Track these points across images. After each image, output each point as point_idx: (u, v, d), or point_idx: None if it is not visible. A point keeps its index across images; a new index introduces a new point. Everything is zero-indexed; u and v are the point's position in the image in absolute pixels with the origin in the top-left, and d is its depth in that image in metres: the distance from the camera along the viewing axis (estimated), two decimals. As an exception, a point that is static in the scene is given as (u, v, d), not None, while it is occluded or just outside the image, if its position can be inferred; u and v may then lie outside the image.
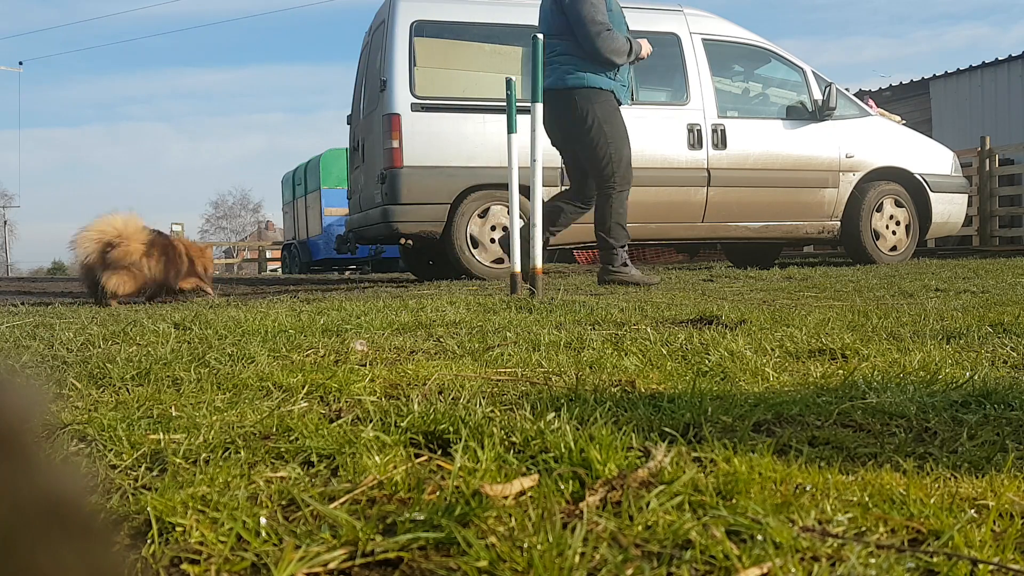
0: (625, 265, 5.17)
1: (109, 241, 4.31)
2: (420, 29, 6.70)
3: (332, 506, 0.94)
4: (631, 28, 7.13)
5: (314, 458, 1.14)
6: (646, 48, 5.23)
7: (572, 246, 7.47)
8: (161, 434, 1.25)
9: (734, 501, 0.94)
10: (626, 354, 2.02)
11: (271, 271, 21.67)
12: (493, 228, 6.70)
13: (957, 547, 0.82)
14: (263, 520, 0.89)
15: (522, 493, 0.97)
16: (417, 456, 1.14)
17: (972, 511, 0.91)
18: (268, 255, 22.44)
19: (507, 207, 6.45)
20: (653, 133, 6.98)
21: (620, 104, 5.21)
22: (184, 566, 0.81)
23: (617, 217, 5.13)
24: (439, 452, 1.18)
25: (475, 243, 6.66)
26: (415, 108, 6.54)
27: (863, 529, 0.87)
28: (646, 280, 5.16)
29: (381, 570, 0.80)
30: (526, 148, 4.24)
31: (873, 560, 0.78)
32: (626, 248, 5.20)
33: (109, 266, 4.28)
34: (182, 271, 4.82)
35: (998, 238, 12.35)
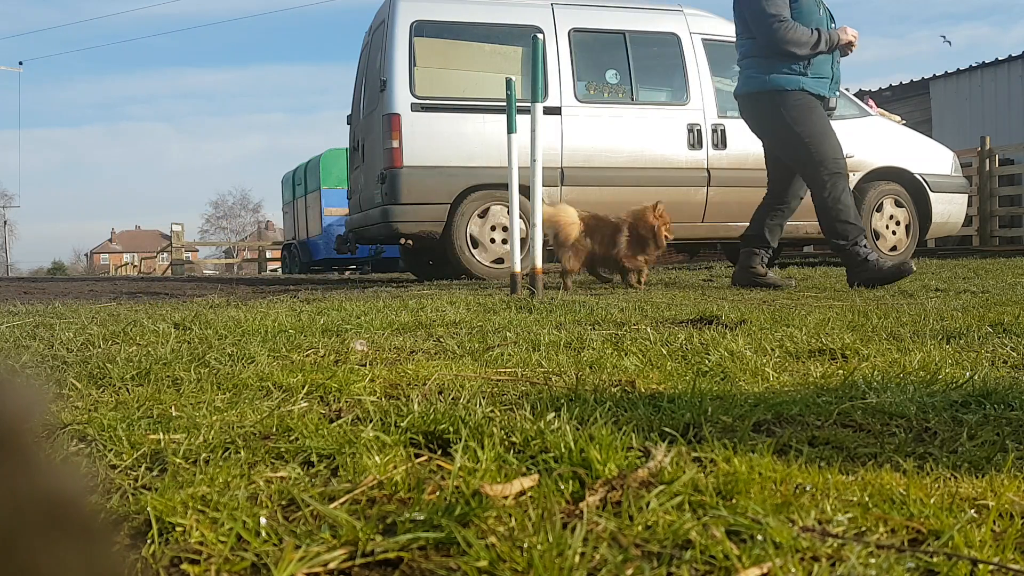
0: (867, 259, 4.64)
1: (556, 225, 4.89)
2: (420, 29, 6.69)
3: (332, 506, 0.94)
4: (630, 29, 7.17)
5: (314, 458, 1.14)
6: (844, 36, 4.73)
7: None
8: (161, 434, 1.25)
9: (734, 501, 0.94)
10: (626, 354, 2.02)
11: (271, 271, 21.66)
12: (493, 228, 6.70)
13: (957, 547, 0.82)
14: (263, 520, 0.89)
15: (522, 493, 0.97)
16: (417, 456, 1.14)
17: (972, 511, 0.91)
18: (268, 255, 22.44)
19: (507, 207, 6.45)
20: (653, 133, 6.98)
21: (824, 98, 4.78)
22: (184, 566, 0.81)
23: (838, 214, 4.65)
24: (439, 452, 1.18)
25: (475, 243, 6.66)
26: (415, 108, 6.54)
27: (863, 529, 0.87)
28: (901, 270, 4.62)
29: (381, 570, 0.80)
30: (526, 148, 4.24)
31: (873, 560, 0.78)
32: (863, 242, 4.68)
33: (561, 247, 4.94)
34: (640, 248, 4.97)
35: (998, 238, 12.34)
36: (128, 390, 1.67)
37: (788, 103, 4.72)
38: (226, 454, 1.17)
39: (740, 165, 7.12)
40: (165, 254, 24.92)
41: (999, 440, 1.20)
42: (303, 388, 1.61)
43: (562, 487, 0.99)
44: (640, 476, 1.01)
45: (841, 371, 1.80)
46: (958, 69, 16.19)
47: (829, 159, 4.67)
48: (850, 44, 4.78)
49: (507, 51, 6.89)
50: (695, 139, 7.01)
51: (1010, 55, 15.28)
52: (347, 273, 16.01)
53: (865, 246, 4.66)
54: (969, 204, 9.51)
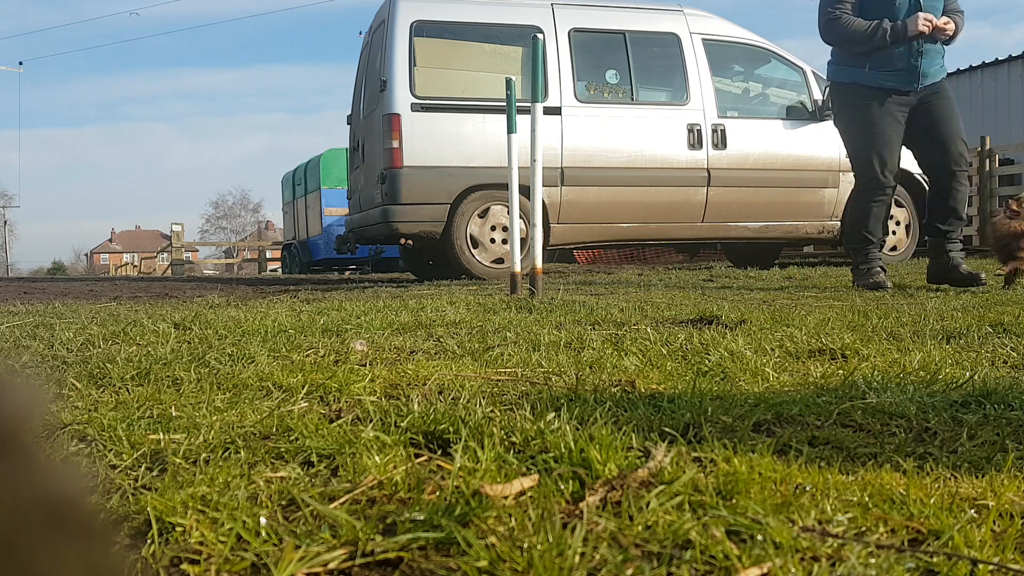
0: (867, 269, 4.52)
1: None
2: (420, 29, 6.70)
3: (332, 506, 0.94)
4: (630, 29, 7.17)
5: (314, 458, 1.14)
6: (914, 26, 4.34)
7: (572, 246, 7.47)
8: (161, 434, 1.25)
9: (734, 501, 0.94)
10: (626, 354, 2.02)
11: (271, 271, 21.66)
12: (493, 228, 6.71)
13: (957, 547, 0.82)
14: (263, 520, 0.89)
15: (522, 493, 0.97)
16: (417, 456, 1.14)
17: (972, 511, 0.91)
18: (268, 255, 22.43)
19: (507, 207, 6.45)
20: (653, 133, 6.98)
21: (899, 92, 4.55)
22: (184, 566, 0.81)
23: (852, 219, 4.63)
24: (439, 452, 1.18)
25: (475, 243, 6.66)
26: (415, 108, 6.54)
27: (863, 529, 0.87)
28: (876, 284, 4.43)
29: (381, 570, 0.80)
30: (526, 148, 4.24)
31: (873, 560, 0.78)
32: (868, 251, 4.55)
33: None
34: None
35: (998, 238, 12.32)
36: (128, 390, 1.67)
37: (840, 97, 4.58)
38: (226, 454, 1.17)
39: (740, 165, 7.12)
40: (165, 254, 24.95)
41: (999, 440, 1.20)
42: (303, 388, 1.61)
43: (562, 487, 0.99)
44: (640, 476, 1.01)
45: (841, 371, 1.79)
46: (958, 69, 16.20)
47: (862, 165, 4.48)
48: (937, 31, 4.44)
49: (507, 51, 6.89)
50: (695, 139, 7.01)
51: (1010, 55, 15.29)
52: (347, 273, 16.01)
53: (871, 257, 4.54)
54: (969, 204, 9.52)
